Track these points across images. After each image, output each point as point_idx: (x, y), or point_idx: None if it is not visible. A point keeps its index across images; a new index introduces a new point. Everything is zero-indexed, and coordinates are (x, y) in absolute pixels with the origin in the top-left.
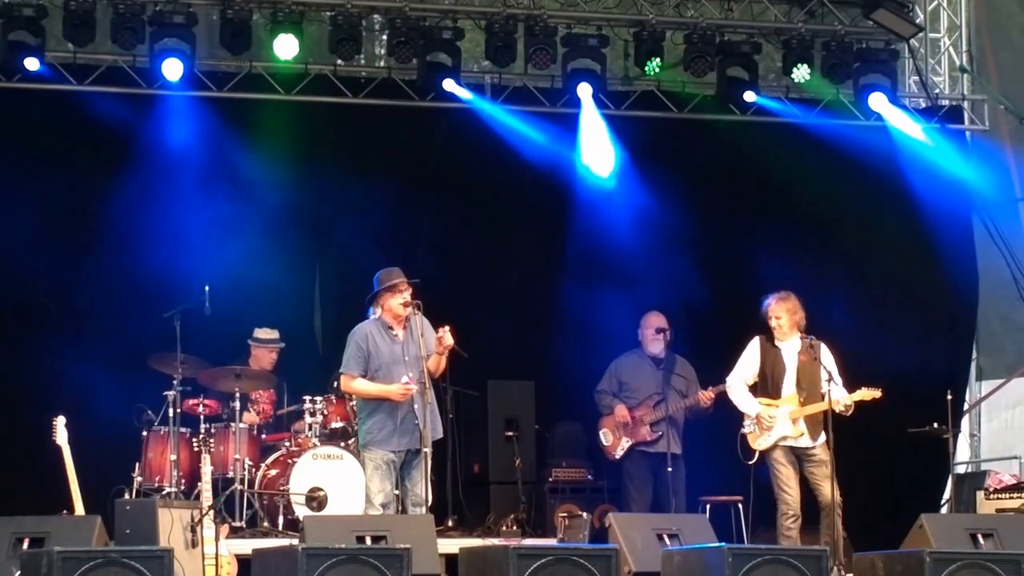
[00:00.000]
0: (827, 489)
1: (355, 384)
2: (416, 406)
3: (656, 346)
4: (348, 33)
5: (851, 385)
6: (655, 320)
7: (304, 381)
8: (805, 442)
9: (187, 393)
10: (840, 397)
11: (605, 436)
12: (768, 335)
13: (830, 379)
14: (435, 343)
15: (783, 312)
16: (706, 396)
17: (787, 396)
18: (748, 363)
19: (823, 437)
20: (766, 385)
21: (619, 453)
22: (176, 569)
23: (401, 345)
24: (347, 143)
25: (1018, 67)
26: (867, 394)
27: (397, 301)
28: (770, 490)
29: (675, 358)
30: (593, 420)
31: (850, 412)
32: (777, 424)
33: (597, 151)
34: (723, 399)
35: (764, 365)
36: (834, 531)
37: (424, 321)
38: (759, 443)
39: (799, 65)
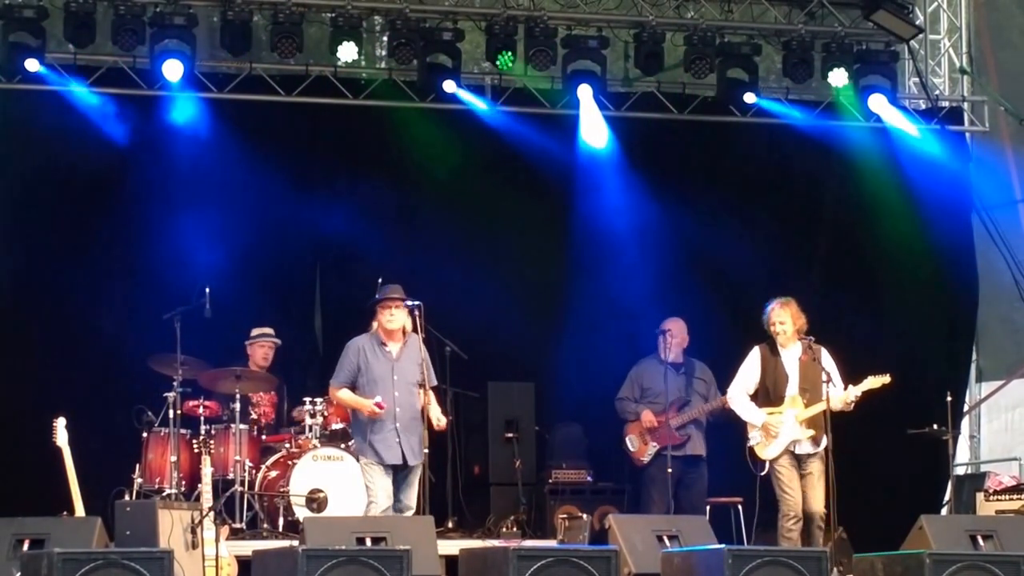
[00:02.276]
0: (813, 498)
1: (339, 394)
2: (398, 424)
3: (669, 352)
4: (348, 34)
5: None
6: (670, 326)
7: (304, 382)
8: (807, 448)
9: (187, 394)
10: (842, 396)
11: (631, 442)
12: (768, 343)
13: (828, 380)
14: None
15: (786, 317)
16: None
17: (790, 399)
18: (748, 373)
19: (824, 443)
20: (767, 393)
21: (646, 458)
22: (176, 570)
23: (392, 364)
24: (347, 144)
25: (1018, 68)
26: (876, 382)
27: (384, 317)
28: (767, 490)
29: (694, 362)
30: (593, 422)
31: (852, 407)
32: (784, 430)
33: (592, 125)
34: None
35: (765, 375)
36: (812, 540)
37: (423, 348)
38: (768, 452)
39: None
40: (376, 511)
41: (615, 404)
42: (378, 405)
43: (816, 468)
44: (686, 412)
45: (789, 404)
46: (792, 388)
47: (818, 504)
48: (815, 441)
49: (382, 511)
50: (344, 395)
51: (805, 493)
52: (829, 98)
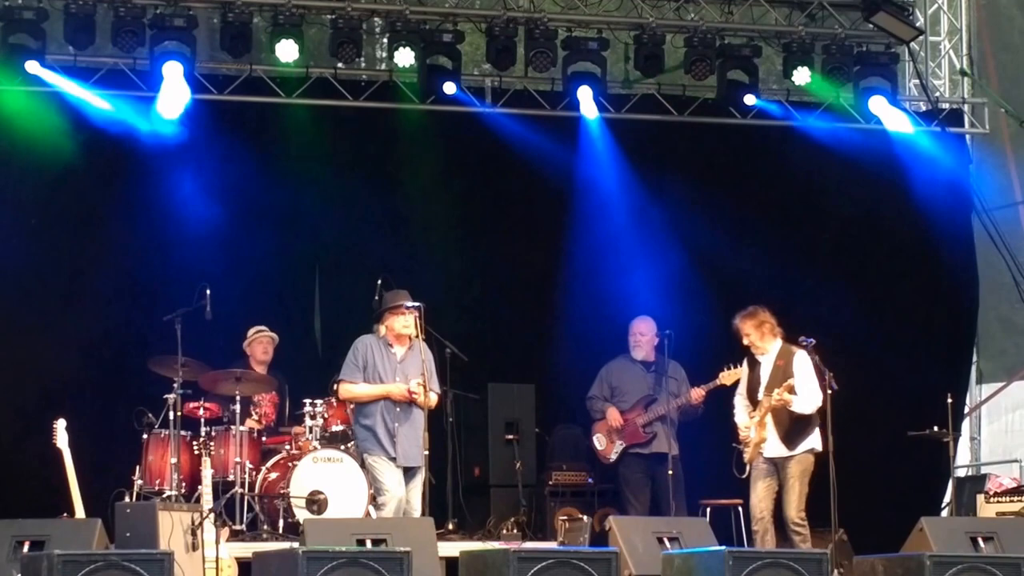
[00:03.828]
0: (785, 502)
1: (356, 389)
2: (397, 424)
3: (639, 351)
4: (348, 36)
5: (849, 388)
6: (640, 326)
7: (304, 384)
8: (774, 450)
9: (187, 396)
10: (793, 401)
11: (599, 441)
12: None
13: (830, 380)
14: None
15: (750, 328)
16: (696, 393)
17: (759, 405)
18: (742, 379)
19: (802, 448)
20: (752, 398)
21: (612, 457)
22: (176, 572)
23: (396, 365)
24: (347, 146)
25: (1018, 70)
26: (728, 377)
27: (400, 322)
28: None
29: (666, 360)
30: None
31: (790, 404)
32: (752, 434)
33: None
34: (714, 399)
35: (749, 380)
36: (790, 544)
37: (426, 350)
38: (746, 455)
39: (799, 67)
40: (391, 503)
41: (585, 403)
42: (410, 391)
43: (792, 472)
44: (652, 410)
45: (758, 409)
46: (762, 393)
47: (790, 509)
48: (787, 444)
49: (396, 502)
50: (363, 388)
51: (781, 498)
52: (829, 100)
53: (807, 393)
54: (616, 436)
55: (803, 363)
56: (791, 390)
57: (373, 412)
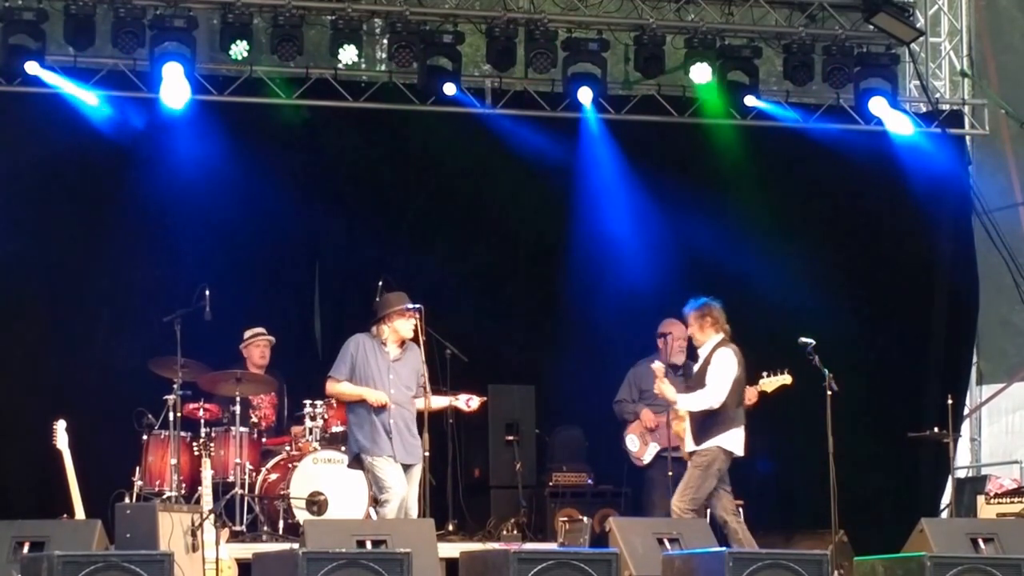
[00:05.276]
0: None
1: (339, 387)
2: (392, 420)
3: (679, 356)
4: (349, 37)
5: (850, 388)
6: (676, 329)
7: (304, 385)
8: (687, 446)
9: (187, 397)
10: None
11: (632, 442)
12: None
13: (830, 380)
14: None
15: (692, 320)
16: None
17: None
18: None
19: (708, 444)
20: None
21: (647, 459)
22: (176, 573)
23: (388, 364)
24: (347, 147)
25: (1019, 71)
26: (773, 383)
27: (408, 325)
28: (768, 492)
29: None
30: (594, 425)
31: (672, 403)
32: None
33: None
34: None
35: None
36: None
37: (422, 357)
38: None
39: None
40: (394, 500)
41: (613, 407)
42: (382, 397)
43: (692, 463)
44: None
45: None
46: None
47: (675, 495)
48: (695, 439)
49: (399, 499)
50: (346, 387)
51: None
52: (830, 101)
53: (711, 388)
54: (650, 437)
55: (721, 359)
56: (661, 375)
57: (367, 412)
